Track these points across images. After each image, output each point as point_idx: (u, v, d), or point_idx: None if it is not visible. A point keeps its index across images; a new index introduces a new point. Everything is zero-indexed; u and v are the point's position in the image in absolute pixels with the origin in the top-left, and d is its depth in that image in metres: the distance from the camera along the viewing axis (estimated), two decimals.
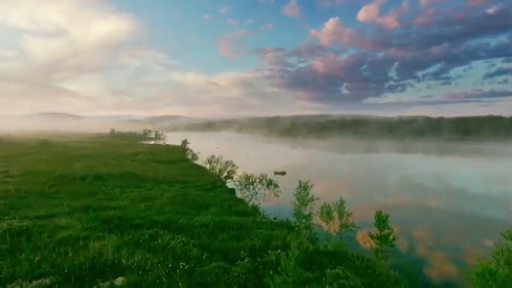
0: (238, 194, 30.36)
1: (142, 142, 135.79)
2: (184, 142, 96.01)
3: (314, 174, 49.08)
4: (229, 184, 34.76)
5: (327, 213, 17.25)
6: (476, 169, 66.18)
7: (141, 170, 43.34)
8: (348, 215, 16.89)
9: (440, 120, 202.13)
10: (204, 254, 13.93)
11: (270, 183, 28.06)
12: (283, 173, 50.41)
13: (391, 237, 15.57)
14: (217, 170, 34.11)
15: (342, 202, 16.97)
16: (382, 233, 15.56)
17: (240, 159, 46.45)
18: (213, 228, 19.05)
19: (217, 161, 34.54)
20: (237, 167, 34.17)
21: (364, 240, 17.29)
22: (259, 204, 26.72)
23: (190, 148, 79.28)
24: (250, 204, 27.81)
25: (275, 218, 24.56)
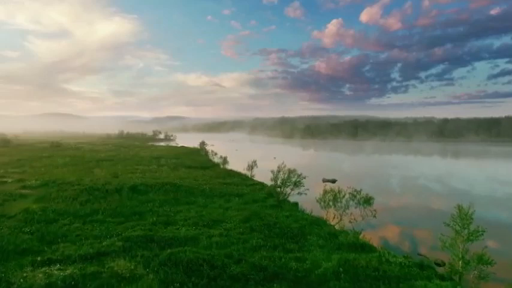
0: (318, 211, 24.07)
1: (154, 143, 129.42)
2: (203, 144, 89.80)
3: (375, 184, 42.65)
4: (291, 197, 28.46)
5: None
6: None
7: (176, 178, 37.17)
8: None
9: (458, 121, 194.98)
10: None
11: (366, 200, 21.70)
12: (334, 181, 44.19)
13: None
14: (279, 180, 27.78)
15: None
16: None
17: (269, 164, 40.09)
18: (346, 279, 12.86)
19: (280, 169, 28.19)
20: (304, 177, 27.78)
21: None
22: (363, 231, 20.23)
23: (213, 151, 73.00)
24: (337, 226, 21.57)
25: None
